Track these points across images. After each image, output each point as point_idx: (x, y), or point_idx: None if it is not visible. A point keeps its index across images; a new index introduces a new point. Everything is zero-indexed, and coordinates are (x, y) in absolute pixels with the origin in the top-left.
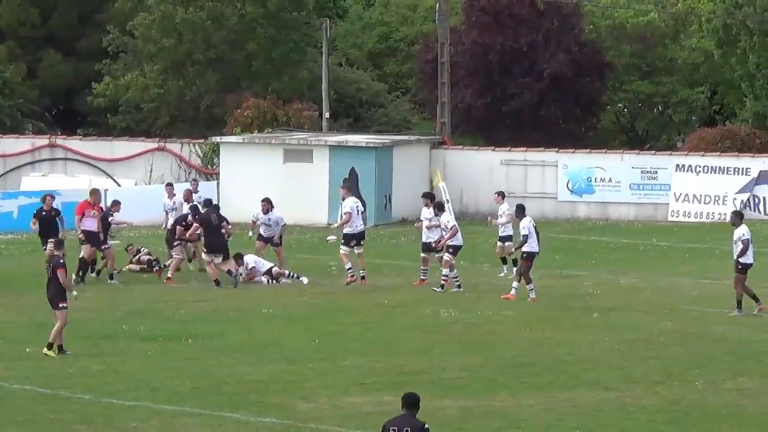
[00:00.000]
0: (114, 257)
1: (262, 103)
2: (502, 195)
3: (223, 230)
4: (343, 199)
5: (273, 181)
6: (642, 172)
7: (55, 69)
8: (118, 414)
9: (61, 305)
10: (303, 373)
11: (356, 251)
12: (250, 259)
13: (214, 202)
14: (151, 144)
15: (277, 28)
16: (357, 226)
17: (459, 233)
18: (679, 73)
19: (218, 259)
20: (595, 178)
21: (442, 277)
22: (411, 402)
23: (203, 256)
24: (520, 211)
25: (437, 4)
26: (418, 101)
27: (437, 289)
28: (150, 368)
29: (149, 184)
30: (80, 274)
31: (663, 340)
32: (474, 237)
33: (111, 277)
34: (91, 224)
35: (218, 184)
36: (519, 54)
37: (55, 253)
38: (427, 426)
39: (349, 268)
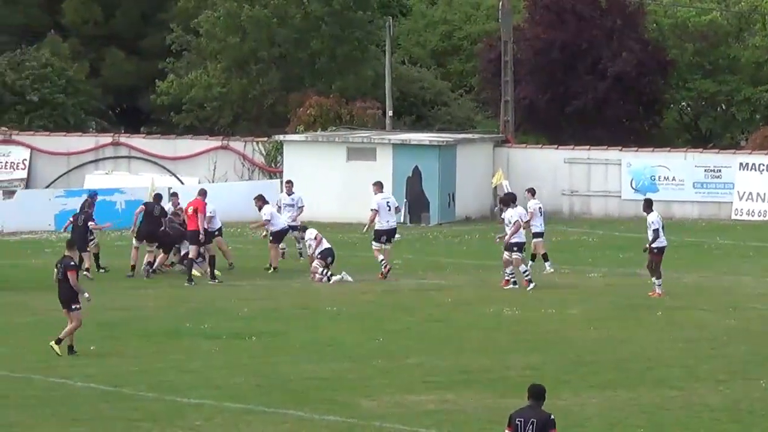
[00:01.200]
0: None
1: (325, 101)
2: (532, 192)
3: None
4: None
5: (336, 179)
6: (705, 170)
7: (119, 67)
8: (182, 411)
9: (74, 306)
10: (366, 371)
11: (385, 247)
12: (311, 234)
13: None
14: (214, 142)
15: (341, 26)
16: (387, 222)
17: (522, 230)
18: (743, 72)
19: (151, 247)
20: (659, 177)
21: (525, 276)
22: (537, 393)
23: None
24: (648, 206)
25: (500, 3)
26: (481, 99)
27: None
28: (214, 366)
29: (212, 182)
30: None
31: (727, 339)
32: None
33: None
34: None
35: (281, 182)
36: (582, 52)
37: (67, 254)
38: (553, 417)
39: (382, 260)
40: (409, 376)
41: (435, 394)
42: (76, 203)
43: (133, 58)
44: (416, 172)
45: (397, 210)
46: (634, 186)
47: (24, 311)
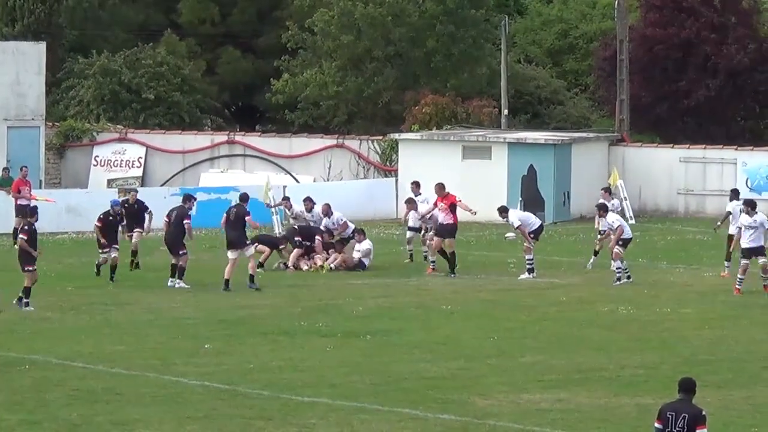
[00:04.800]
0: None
1: (440, 99)
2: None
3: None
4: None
5: (451, 177)
6: None
7: (234, 66)
8: (297, 410)
9: None
10: (481, 370)
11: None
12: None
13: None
14: (329, 141)
15: (456, 24)
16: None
17: (628, 228)
18: None
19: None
20: None
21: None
22: (687, 387)
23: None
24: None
25: (616, 1)
26: (596, 98)
27: (616, 283)
28: (328, 364)
29: (327, 180)
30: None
31: None
32: (651, 234)
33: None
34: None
35: (396, 180)
36: (693, 48)
37: None
38: (705, 413)
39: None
40: (523, 374)
41: (549, 392)
42: None
43: (249, 57)
44: (531, 170)
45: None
46: (749, 185)
47: (138, 309)
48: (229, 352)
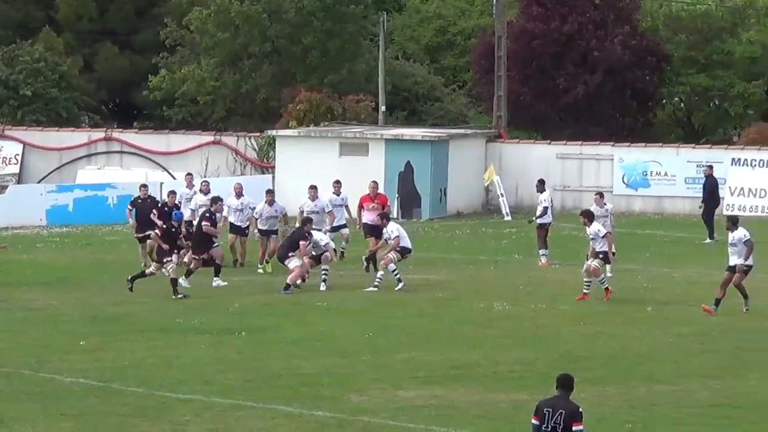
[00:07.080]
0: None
1: (314, 95)
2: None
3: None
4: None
5: (328, 174)
6: (697, 166)
7: (112, 62)
8: (171, 407)
9: None
10: (356, 367)
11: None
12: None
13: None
14: (206, 137)
15: (333, 21)
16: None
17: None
18: (737, 67)
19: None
20: (651, 172)
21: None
22: (565, 383)
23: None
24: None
25: None
26: (474, 95)
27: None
28: (203, 361)
29: (205, 176)
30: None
31: (716, 334)
32: (528, 231)
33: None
34: (369, 217)
35: (273, 177)
36: (570, 43)
37: None
38: (581, 409)
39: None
40: (398, 371)
41: (424, 389)
42: (67, 198)
43: (127, 53)
44: (408, 167)
45: None
46: (625, 181)
47: (14, 306)
48: (104, 349)
